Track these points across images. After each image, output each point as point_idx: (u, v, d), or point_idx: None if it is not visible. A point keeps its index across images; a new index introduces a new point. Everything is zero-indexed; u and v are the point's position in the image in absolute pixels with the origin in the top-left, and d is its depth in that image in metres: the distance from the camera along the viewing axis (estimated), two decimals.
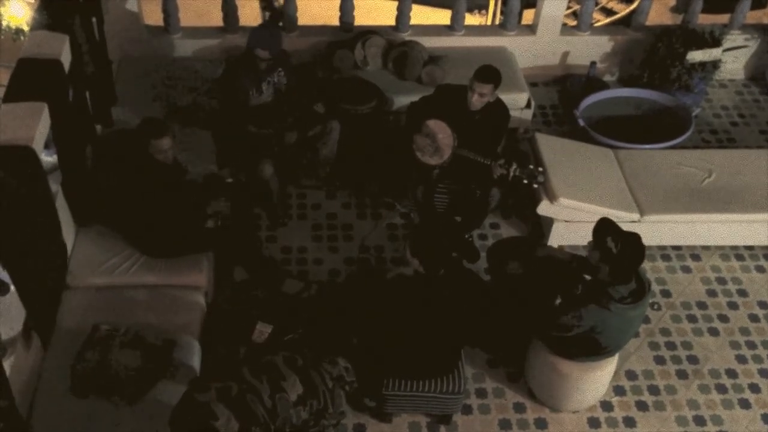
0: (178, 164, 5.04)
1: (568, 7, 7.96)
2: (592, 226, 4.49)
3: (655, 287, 5.72)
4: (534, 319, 4.77)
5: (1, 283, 4.04)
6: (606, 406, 5.09)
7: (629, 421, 5.02)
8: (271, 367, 4.12)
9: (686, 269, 5.93)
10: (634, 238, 4.39)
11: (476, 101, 5.40)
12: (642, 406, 5.11)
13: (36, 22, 4.97)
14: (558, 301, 4.71)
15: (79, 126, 5.09)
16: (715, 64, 6.90)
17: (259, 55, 5.55)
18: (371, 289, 4.93)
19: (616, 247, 4.31)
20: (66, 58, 4.76)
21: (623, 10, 11.33)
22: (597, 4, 10.84)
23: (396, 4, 7.07)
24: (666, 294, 5.75)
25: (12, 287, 4.11)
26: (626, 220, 5.54)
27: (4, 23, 7.02)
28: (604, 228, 4.43)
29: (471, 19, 10.69)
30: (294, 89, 5.86)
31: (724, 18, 7.52)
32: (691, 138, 6.67)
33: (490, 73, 5.37)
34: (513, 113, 5.94)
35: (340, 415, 4.40)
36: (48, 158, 4.96)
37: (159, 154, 4.81)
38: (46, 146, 4.77)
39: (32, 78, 4.52)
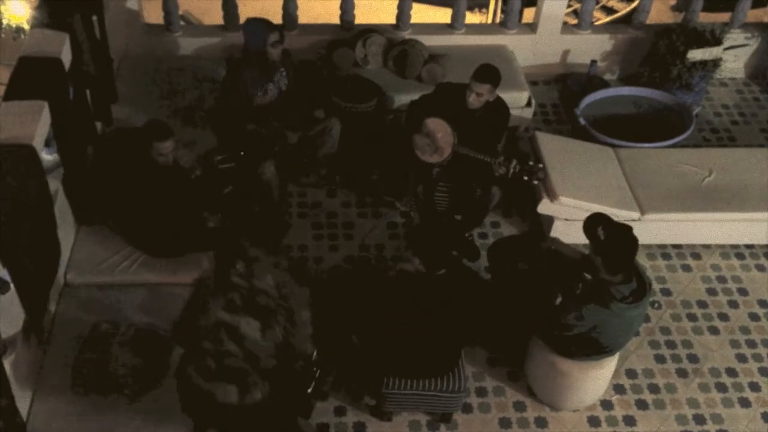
0: (179, 165, 5.05)
1: (569, 6, 7.96)
2: None
3: (656, 286, 5.72)
4: (535, 318, 4.78)
5: (1, 281, 4.03)
6: (606, 404, 5.09)
7: (629, 420, 5.02)
8: (221, 325, 4.14)
9: (686, 268, 5.93)
10: (624, 227, 4.39)
11: (474, 101, 5.40)
12: (642, 404, 5.11)
13: (36, 20, 4.97)
14: (558, 299, 4.71)
15: (79, 124, 5.09)
16: (715, 63, 6.89)
17: (274, 40, 5.52)
18: (372, 288, 4.93)
19: (604, 235, 4.34)
20: (66, 57, 4.76)
21: (624, 9, 11.33)
22: (598, 2, 10.86)
23: (396, 2, 7.07)
24: (666, 293, 5.75)
25: (12, 286, 4.11)
26: (626, 218, 5.54)
27: (5, 21, 7.03)
28: (595, 221, 4.44)
29: (471, 18, 10.69)
30: (295, 90, 5.86)
31: (724, 17, 7.52)
32: (691, 137, 6.67)
33: (488, 73, 5.36)
34: (513, 112, 5.94)
35: (309, 358, 4.42)
36: (48, 156, 4.96)
37: (160, 157, 4.82)
38: (47, 144, 4.77)
39: (32, 76, 4.52)
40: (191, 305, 4.50)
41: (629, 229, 4.42)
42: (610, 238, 4.35)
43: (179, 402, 4.17)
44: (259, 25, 5.61)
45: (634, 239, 4.38)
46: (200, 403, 4.04)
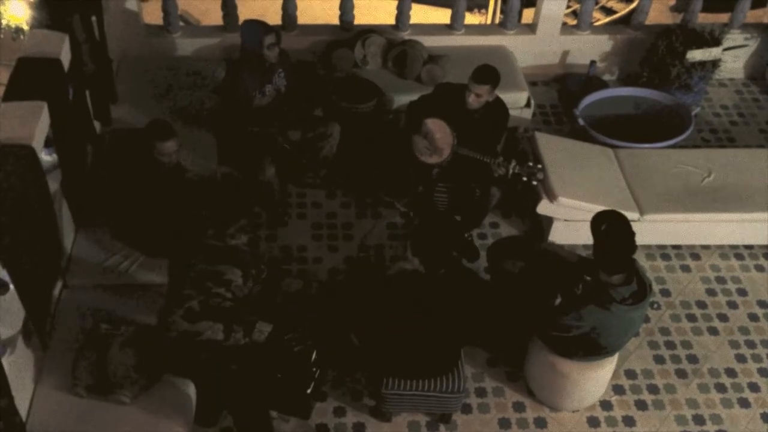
0: (180, 166, 5.05)
1: (568, 6, 7.97)
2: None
3: (655, 286, 5.72)
4: (534, 318, 4.77)
5: (0, 282, 4.03)
6: (605, 405, 5.09)
7: (629, 421, 5.03)
8: (206, 273, 4.28)
9: (686, 268, 5.93)
10: (624, 228, 4.38)
11: (473, 101, 5.41)
12: (641, 405, 5.11)
13: (35, 20, 4.97)
14: (558, 300, 4.71)
15: (79, 125, 5.09)
16: (714, 64, 6.90)
17: (270, 42, 5.50)
18: (371, 288, 4.93)
19: (603, 233, 4.34)
20: (66, 57, 4.76)
21: (623, 9, 11.34)
22: (597, 3, 10.85)
23: (396, 3, 7.07)
24: (665, 293, 5.75)
25: (11, 286, 4.11)
26: None
27: (4, 22, 7.01)
28: (602, 218, 4.43)
29: (471, 18, 10.70)
30: (294, 90, 5.86)
31: (724, 17, 7.52)
32: (690, 137, 6.67)
33: (486, 73, 5.36)
34: (512, 112, 5.94)
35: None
36: (47, 157, 4.96)
37: (163, 157, 4.83)
38: (46, 145, 4.76)
39: (32, 77, 4.51)
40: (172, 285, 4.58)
41: (629, 231, 4.40)
42: (608, 238, 4.35)
43: (169, 362, 4.32)
44: (255, 26, 5.60)
45: (629, 237, 4.37)
46: (181, 350, 4.16)
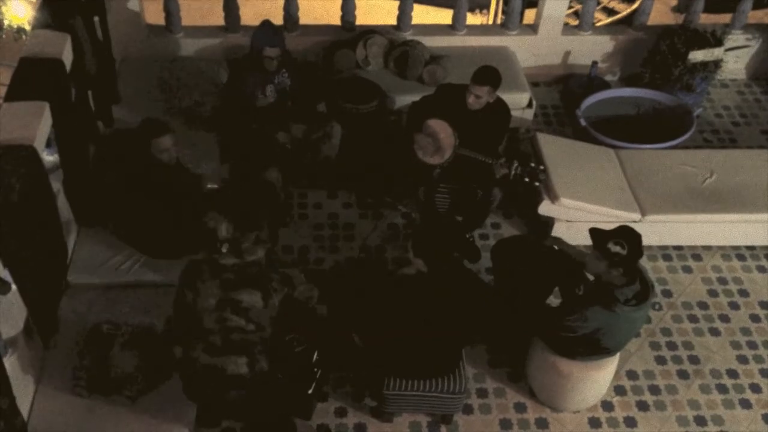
0: (180, 165, 5.04)
1: (570, 7, 7.96)
2: (593, 226, 4.46)
3: (657, 287, 5.72)
4: (538, 319, 4.77)
5: (2, 282, 4.04)
6: (607, 406, 5.09)
7: (630, 421, 5.02)
8: (225, 303, 4.07)
9: (687, 269, 5.93)
10: (632, 233, 4.37)
11: (473, 102, 5.40)
12: (643, 406, 5.11)
13: (37, 21, 4.98)
14: (551, 299, 4.69)
15: (81, 125, 5.09)
16: (716, 64, 6.90)
17: (269, 55, 5.53)
18: (374, 288, 4.94)
19: (623, 249, 4.28)
20: (67, 57, 4.77)
21: (625, 10, 11.32)
22: (598, 3, 10.85)
23: (397, 3, 7.08)
24: (667, 294, 5.75)
25: (13, 286, 4.11)
26: (627, 220, 5.54)
27: (6, 22, 7.02)
28: (597, 237, 4.38)
29: (472, 19, 10.68)
30: (298, 90, 5.86)
31: (725, 18, 7.52)
32: (692, 138, 6.67)
33: (486, 75, 5.35)
34: (514, 113, 5.93)
35: (308, 288, 4.43)
36: (49, 157, 4.96)
37: (161, 154, 4.81)
38: (48, 145, 4.77)
39: (34, 77, 4.52)
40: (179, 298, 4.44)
41: (635, 233, 4.38)
42: (631, 250, 4.29)
43: (184, 390, 4.22)
44: (265, 32, 5.59)
45: (640, 250, 4.36)
46: (207, 384, 4.08)
